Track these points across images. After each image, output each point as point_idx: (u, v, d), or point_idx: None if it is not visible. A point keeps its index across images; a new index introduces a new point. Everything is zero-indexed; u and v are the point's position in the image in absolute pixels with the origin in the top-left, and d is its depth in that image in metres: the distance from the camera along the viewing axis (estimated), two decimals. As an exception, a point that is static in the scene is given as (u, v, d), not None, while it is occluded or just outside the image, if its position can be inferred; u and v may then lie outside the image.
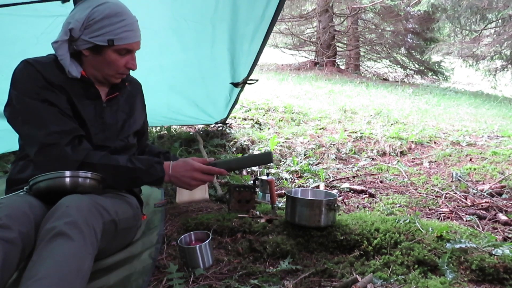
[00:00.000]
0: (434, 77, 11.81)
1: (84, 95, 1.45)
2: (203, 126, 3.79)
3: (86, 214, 1.14)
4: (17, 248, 1.07)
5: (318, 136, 3.74)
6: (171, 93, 3.02)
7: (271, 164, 2.98)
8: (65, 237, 1.06)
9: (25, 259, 1.11)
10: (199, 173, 1.48)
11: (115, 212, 1.33)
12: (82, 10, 1.37)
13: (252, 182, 2.09)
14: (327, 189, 2.46)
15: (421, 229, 1.67)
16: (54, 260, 1.01)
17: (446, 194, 2.42)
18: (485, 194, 2.38)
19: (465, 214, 2.10)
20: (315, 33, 12.29)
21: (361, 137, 3.70)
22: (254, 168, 2.88)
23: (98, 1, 1.37)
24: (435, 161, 3.17)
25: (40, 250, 1.04)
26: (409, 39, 11.75)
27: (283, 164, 3.01)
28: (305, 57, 12.64)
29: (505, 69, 9.62)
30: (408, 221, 1.75)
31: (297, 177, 2.76)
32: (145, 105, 1.80)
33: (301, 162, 3.02)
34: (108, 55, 1.39)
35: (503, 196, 2.38)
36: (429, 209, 2.21)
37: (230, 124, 3.88)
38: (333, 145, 3.47)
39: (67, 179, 1.26)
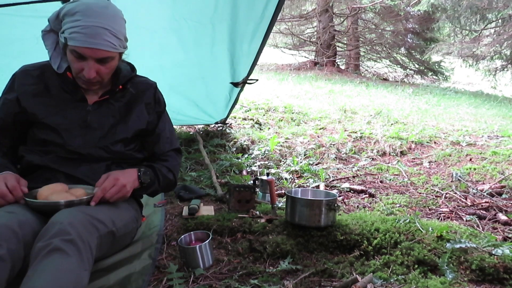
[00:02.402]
0: (434, 77, 11.80)
1: (69, 98, 1.43)
2: (203, 126, 3.80)
3: (80, 231, 1.12)
4: (6, 265, 1.05)
5: (318, 136, 3.74)
6: (171, 93, 3.01)
7: (271, 164, 2.98)
8: (61, 253, 1.04)
9: (14, 277, 1.09)
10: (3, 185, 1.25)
11: (111, 222, 1.30)
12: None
13: (252, 182, 2.09)
14: (327, 189, 2.45)
15: (421, 229, 1.67)
16: (51, 274, 0.99)
17: (446, 194, 2.42)
18: (485, 194, 2.38)
19: (465, 214, 2.10)
20: (315, 33, 12.28)
21: (361, 137, 3.70)
22: (254, 168, 2.88)
23: None
24: (435, 161, 3.17)
25: (36, 265, 1.02)
26: (409, 39, 11.74)
27: (283, 164, 3.01)
28: (305, 57, 12.63)
29: (505, 69, 9.61)
30: (408, 221, 1.75)
31: (297, 177, 2.76)
32: (159, 108, 1.61)
33: (301, 162, 3.02)
34: (68, 54, 1.35)
35: (503, 196, 2.38)
36: (429, 209, 2.21)
37: (230, 124, 3.88)
38: (333, 145, 3.47)
39: (62, 207, 1.25)
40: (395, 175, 2.84)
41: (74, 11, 1.29)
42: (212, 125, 3.80)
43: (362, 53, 12.62)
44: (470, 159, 3.12)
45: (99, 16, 1.30)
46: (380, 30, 11.95)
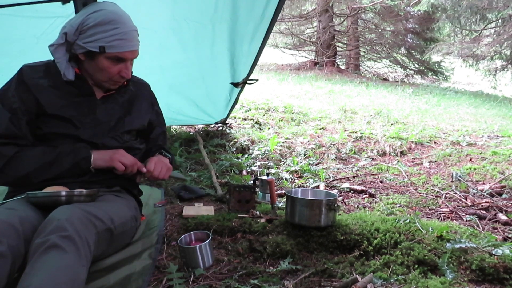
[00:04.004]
0: (434, 77, 11.79)
1: (77, 92, 1.48)
2: (203, 126, 3.80)
3: (78, 227, 1.13)
4: (7, 261, 1.06)
5: (318, 136, 3.74)
6: (171, 93, 3.02)
7: (271, 164, 2.98)
8: (58, 249, 1.05)
9: (15, 273, 1.10)
10: (122, 152, 1.48)
11: (109, 220, 1.32)
12: (79, 15, 1.40)
13: (252, 182, 2.10)
14: (327, 189, 2.46)
15: (421, 229, 1.67)
16: (48, 271, 1.00)
17: (446, 194, 2.42)
18: (485, 194, 2.38)
19: (465, 214, 2.10)
20: (315, 33, 12.28)
21: (361, 137, 3.70)
22: (254, 168, 2.88)
23: (95, 8, 1.39)
24: (435, 161, 3.17)
25: (34, 262, 1.03)
26: (409, 39, 11.74)
27: (283, 164, 3.01)
28: (305, 57, 12.63)
29: (505, 69, 9.60)
30: (408, 221, 1.75)
31: (297, 177, 2.76)
32: (156, 108, 1.77)
33: (301, 162, 3.02)
34: (101, 62, 1.41)
35: (503, 196, 2.38)
36: (429, 209, 2.21)
37: (230, 124, 3.88)
38: (333, 145, 3.47)
39: (63, 198, 1.29)
40: (395, 175, 2.84)
41: (106, 21, 1.36)
42: (212, 125, 3.80)
43: (362, 53, 12.62)
44: (470, 159, 3.12)
45: (129, 20, 1.43)
46: (380, 30, 11.95)
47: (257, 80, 3.11)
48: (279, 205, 2.08)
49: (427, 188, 2.55)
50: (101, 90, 1.54)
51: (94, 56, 1.40)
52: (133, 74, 1.65)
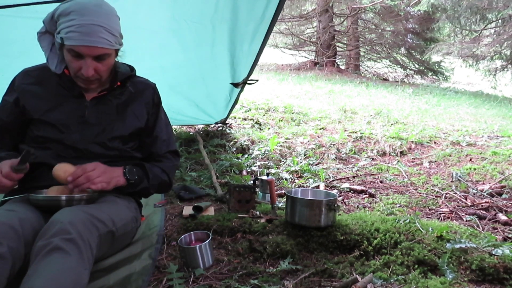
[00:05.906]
0: (434, 77, 11.80)
1: (67, 94, 1.46)
2: (203, 126, 3.80)
3: (81, 230, 1.12)
4: (7, 262, 1.06)
5: (318, 136, 3.75)
6: (171, 93, 3.02)
7: (271, 164, 2.99)
8: (61, 252, 1.04)
9: (15, 275, 1.10)
10: None
11: (111, 222, 1.31)
12: None
13: (252, 182, 2.10)
14: (327, 189, 2.46)
15: (421, 229, 1.68)
16: (51, 273, 1.00)
17: (446, 194, 2.42)
18: (485, 194, 2.38)
19: (465, 214, 2.10)
20: (315, 33, 12.28)
21: (361, 137, 3.70)
22: (254, 168, 2.88)
23: None
24: (435, 161, 3.17)
25: (36, 264, 1.03)
26: (409, 39, 11.74)
27: (283, 164, 3.01)
28: (305, 57, 12.63)
29: (505, 69, 9.60)
30: (408, 221, 1.75)
31: (297, 177, 2.77)
32: (157, 109, 1.60)
33: (301, 162, 3.02)
34: (65, 54, 1.36)
35: (503, 196, 2.38)
36: (429, 209, 2.21)
37: (230, 124, 3.88)
38: (333, 145, 3.47)
39: (63, 203, 1.28)
40: (395, 175, 2.85)
41: (68, 11, 1.30)
42: (212, 125, 3.80)
43: (362, 53, 12.62)
44: (470, 159, 3.12)
45: (93, 14, 1.31)
46: (380, 30, 11.96)
47: (257, 80, 3.11)
48: (279, 205, 2.08)
49: (427, 188, 2.55)
50: (94, 91, 1.47)
51: (62, 48, 1.35)
52: (137, 75, 1.62)
